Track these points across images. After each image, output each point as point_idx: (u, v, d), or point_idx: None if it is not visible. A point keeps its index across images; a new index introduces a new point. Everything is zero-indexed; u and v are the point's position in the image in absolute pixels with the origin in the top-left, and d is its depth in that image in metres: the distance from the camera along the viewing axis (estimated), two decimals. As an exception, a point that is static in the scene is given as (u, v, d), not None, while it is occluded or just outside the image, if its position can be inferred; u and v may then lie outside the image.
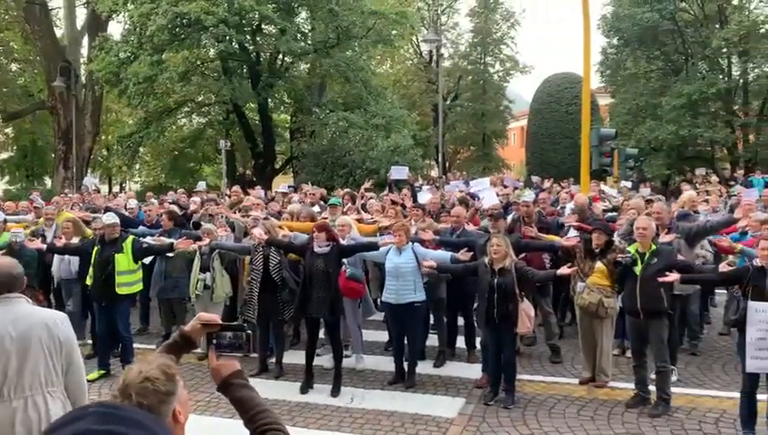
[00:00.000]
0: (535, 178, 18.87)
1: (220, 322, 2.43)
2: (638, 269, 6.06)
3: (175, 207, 10.35)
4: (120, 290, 7.16)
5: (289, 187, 14.68)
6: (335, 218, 7.69)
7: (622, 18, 26.02)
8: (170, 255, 8.03)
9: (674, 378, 6.71)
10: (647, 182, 20.48)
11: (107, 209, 9.91)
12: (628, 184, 13.71)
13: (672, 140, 23.97)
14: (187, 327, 2.38)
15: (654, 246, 6.10)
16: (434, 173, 29.42)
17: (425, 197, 10.65)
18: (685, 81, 24.78)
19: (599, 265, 6.57)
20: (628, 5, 25.70)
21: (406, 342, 7.01)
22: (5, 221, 8.62)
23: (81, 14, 28.91)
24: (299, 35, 23.30)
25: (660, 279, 5.76)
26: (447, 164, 39.10)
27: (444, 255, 6.95)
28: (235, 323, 2.85)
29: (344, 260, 7.08)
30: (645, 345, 6.20)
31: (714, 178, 18.43)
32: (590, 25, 13.27)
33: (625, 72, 28.49)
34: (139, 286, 7.67)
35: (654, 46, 26.77)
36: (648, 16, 24.27)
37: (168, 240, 7.85)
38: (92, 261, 7.24)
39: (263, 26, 22.54)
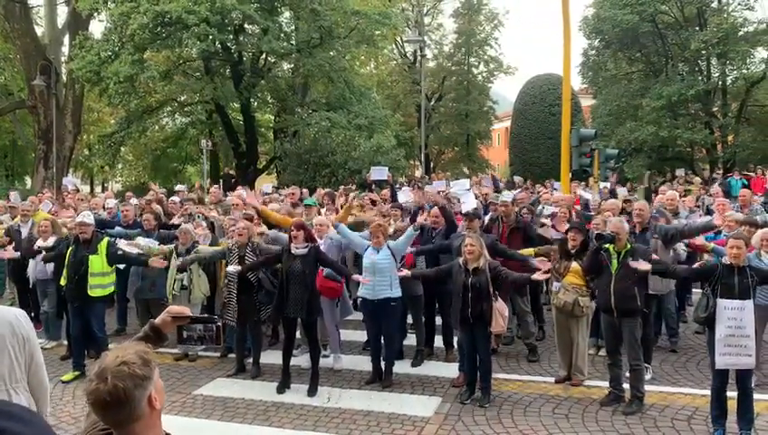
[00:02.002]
0: (518, 179, 18.99)
1: (190, 314, 2.44)
2: (613, 268, 6.13)
3: (159, 207, 10.27)
4: (93, 292, 7.09)
5: (273, 187, 14.66)
6: (311, 219, 7.69)
7: (603, 20, 26.24)
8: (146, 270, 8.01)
9: (648, 376, 6.79)
10: (627, 183, 20.67)
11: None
12: (607, 185, 13.81)
13: (652, 140, 24.23)
14: (157, 320, 2.40)
15: (629, 246, 6.17)
16: (418, 173, 29.50)
17: (404, 196, 10.66)
18: (665, 82, 25.04)
19: (574, 265, 6.63)
20: (609, 7, 25.91)
21: (383, 341, 7.02)
22: None
23: (63, 13, 28.67)
24: (282, 35, 23.22)
25: (632, 263, 5.81)
26: (432, 164, 39.23)
27: (410, 233, 6.96)
28: (205, 315, 2.86)
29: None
30: (619, 344, 6.26)
31: (696, 178, 18.64)
32: (569, 27, 13.36)
33: (606, 73, 28.74)
34: (112, 289, 7.58)
35: (634, 48, 27.04)
36: (629, 18, 24.50)
37: (144, 241, 7.80)
38: (66, 261, 7.18)
39: (245, 26, 22.47)
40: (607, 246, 6.15)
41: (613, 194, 12.23)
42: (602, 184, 13.99)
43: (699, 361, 7.59)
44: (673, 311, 8.21)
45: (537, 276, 6.26)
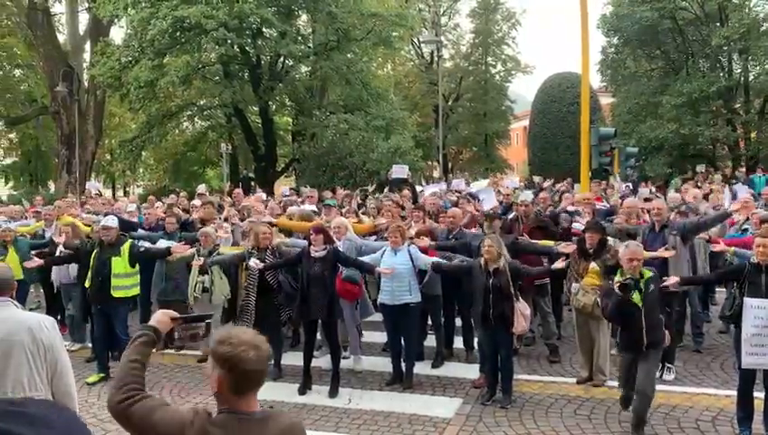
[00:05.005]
0: (537, 179, 18.86)
1: (179, 315, 2.54)
2: (637, 299, 5.37)
3: (180, 211, 10.38)
4: (116, 293, 7.16)
5: (291, 189, 14.78)
6: (330, 220, 7.73)
7: (622, 17, 26.02)
8: (169, 259, 8.09)
9: (671, 376, 6.73)
10: (647, 181, 20.45)
11: (107, 214, 9.96)
12: (629, 184, 13.71)
13: (673, 138, 23.98)
14: (155, 323, 2.47)
15: (649, 273, 5.50)
16: (436, 174, 29.46)
17: (430, 190, 10.65)
18: (685, 79, 24.76)
19: (593, 265, 6.55)
20: (627, 4, 25.69)
21: (403, 342, 7.02)
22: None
23: (84, 20, 29.10)
24: (299, 38, 23.36)
25: (666, 282, 5.58)
26: (450, 165, 39.17)
27: (432, 262, 6.97)
28: (195, 314, 2.95)
29: (340, 262, 7.11)
30: (635, 375, 5.60)
31: (717, 176, 18.36)
32: (587, 25, 13.28)
33: (625, 71, 28.49)
34: (136, 290, 7.65)
35: (654, 45, 26.77)
36: (648, 15, 24.27)
37: (165, 243, 7.88)
38: (90, 264, 7.28)
39: (263, 30, 22.60)
40: (621, 276, 5.42)
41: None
42: (623, 184, 13.89)
43: (723, 361, 7.50)
44: (699, 310, 8.13)
45: (558, 265, 6.22)
